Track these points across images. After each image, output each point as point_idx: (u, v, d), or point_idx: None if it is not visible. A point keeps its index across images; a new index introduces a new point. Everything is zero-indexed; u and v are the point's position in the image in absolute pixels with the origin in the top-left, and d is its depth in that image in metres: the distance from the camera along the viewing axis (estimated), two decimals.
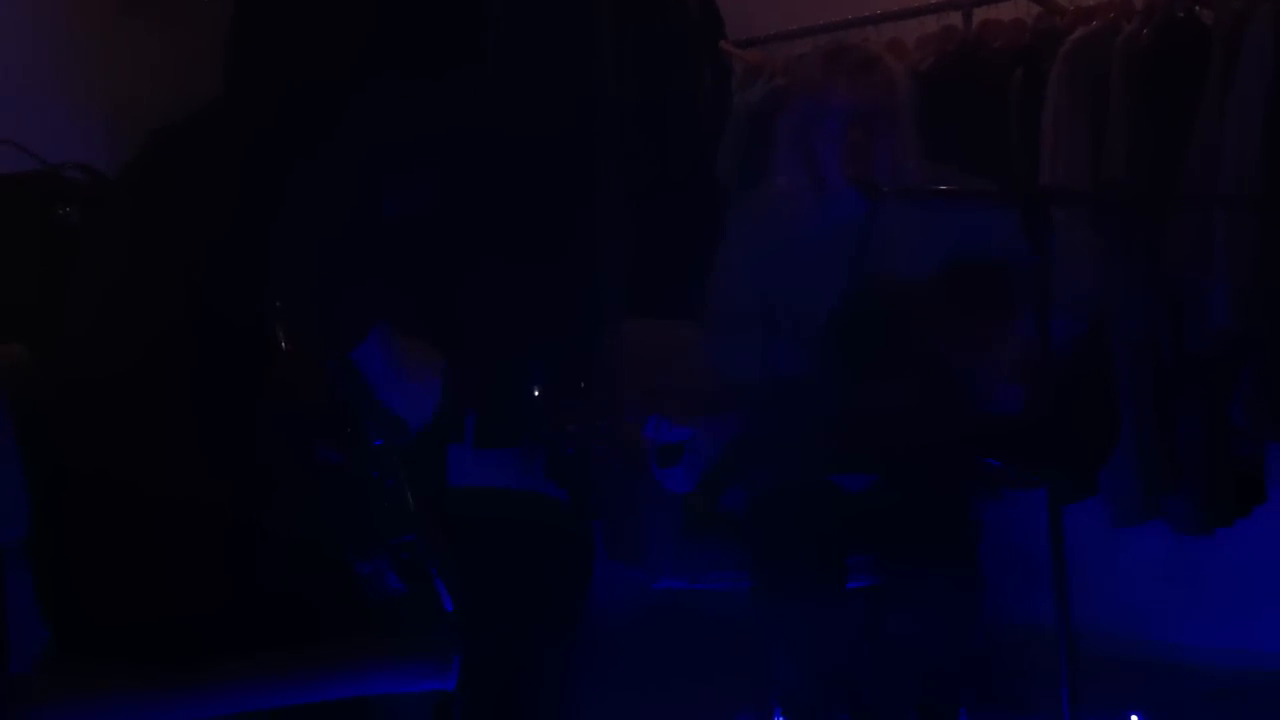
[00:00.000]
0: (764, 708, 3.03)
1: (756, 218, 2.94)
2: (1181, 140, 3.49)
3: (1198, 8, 3.55)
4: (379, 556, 1.94)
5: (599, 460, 2.63)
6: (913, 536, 2.72)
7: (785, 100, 3.01)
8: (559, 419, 2.36)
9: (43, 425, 1.93)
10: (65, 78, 3.45)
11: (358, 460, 1.95)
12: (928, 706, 2.80)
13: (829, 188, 2.83)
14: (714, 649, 3.60)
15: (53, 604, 2.00)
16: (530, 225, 2.81)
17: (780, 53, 4.28)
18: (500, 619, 2.09)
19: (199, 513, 1.94)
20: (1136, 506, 3.59)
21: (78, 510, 1.95)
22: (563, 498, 2.88)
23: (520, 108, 2.71)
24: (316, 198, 1.98)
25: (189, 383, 1.96)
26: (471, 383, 2.25)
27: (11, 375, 1.97)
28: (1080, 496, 3.56)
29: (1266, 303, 3.36)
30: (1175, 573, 3.87)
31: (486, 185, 2.39)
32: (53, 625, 1.99)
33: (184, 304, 1.96)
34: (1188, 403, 3.54)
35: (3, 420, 1.84)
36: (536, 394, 2.32)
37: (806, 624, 2.71)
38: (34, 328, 2.21)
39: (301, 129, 2.02)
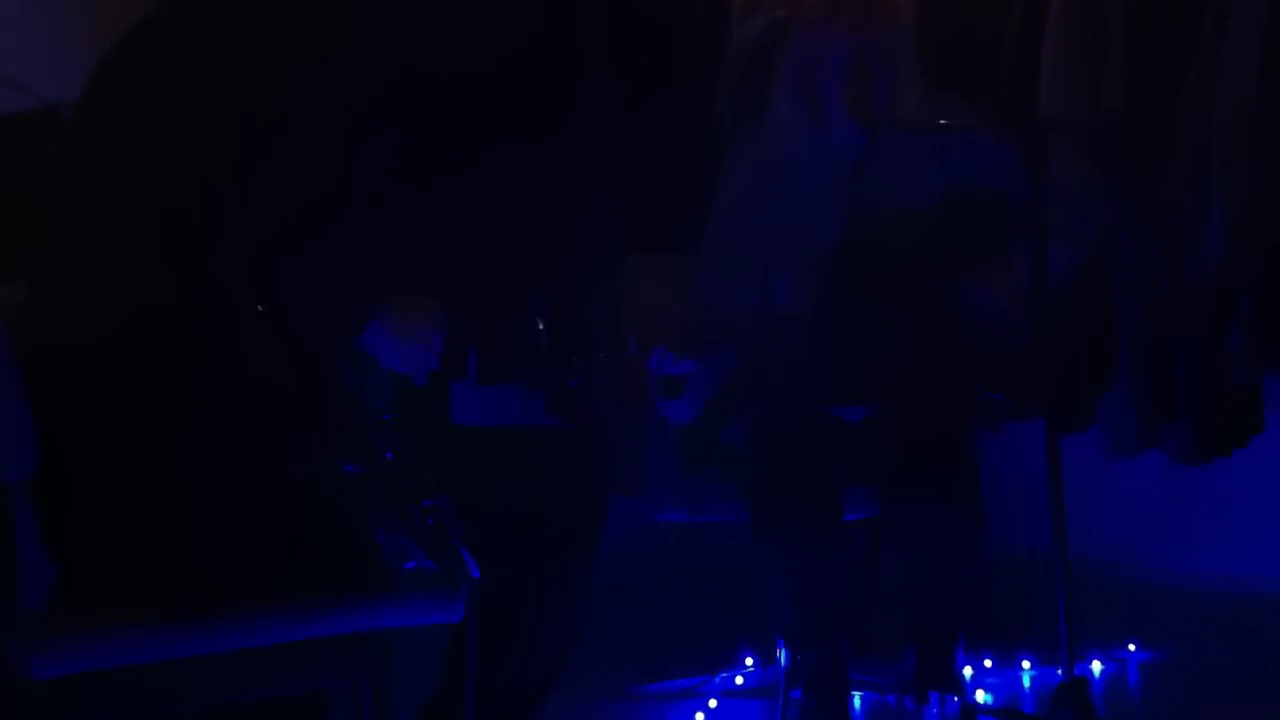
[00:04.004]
0: (768, 640, 3.06)
1: (755, 151, 2.94)
2: (1179, 69, 3.47)
3: None
4: (403, 531, 1.95)
5: (600, 393, 2.64)
6: (912, 468, 2.74)
7: (786, 34, 3.00)
8: (562, 353, 2.36)
9: (43, 365, 1.94)
10: (61, 15, 3.43)
11: (366, 460, 1.96)
12: (926, 637, 2.83)
13: (829, 121, 2.84)
14: (719, 581, 3.63)
15: (60, 541, 2.01)
16: (525, 160, 2.79)
17: None
18: (516, 553, 2.10)
19: (205, 452, 1.95)
20: (1133, 437, 3.60)
21: (84, 451, 1.96)
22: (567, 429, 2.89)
23: (509, 37, 2.68)
24: (298, 153, 1.98)
25: (186, 332, 1.97)
26: (474, 319, 2.25)
27: (14, 315, 1.97)
28: (1078, 428, 3.57)
29: (1262, 231, 3.36)
30: (1171, 500, 3.89)
31: (478, 121, 2.38)
32: (60, 561, 2.01)
33: (168, 261, 1.96)
34: (1185, 333, 3.54)
35: (8, 358, 1.84)
36: (539, 328, 2.32)
37: (804, 555, 2.73)
38: (33, 266, 2.21)
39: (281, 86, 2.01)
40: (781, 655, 2.93)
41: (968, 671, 3.07)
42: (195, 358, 1.97)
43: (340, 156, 2.06)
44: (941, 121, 2.78)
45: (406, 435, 2.00)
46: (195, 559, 1.95)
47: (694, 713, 3.07)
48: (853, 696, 2.88)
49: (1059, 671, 2.48)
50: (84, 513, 2.00)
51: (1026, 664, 3.22)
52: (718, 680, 3.20)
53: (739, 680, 3.22)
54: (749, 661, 3.26)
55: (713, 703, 3.10)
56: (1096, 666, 3.23)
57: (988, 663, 3.22)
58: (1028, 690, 3.17)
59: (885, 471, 2.80)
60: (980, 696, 3.08)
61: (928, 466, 2.75)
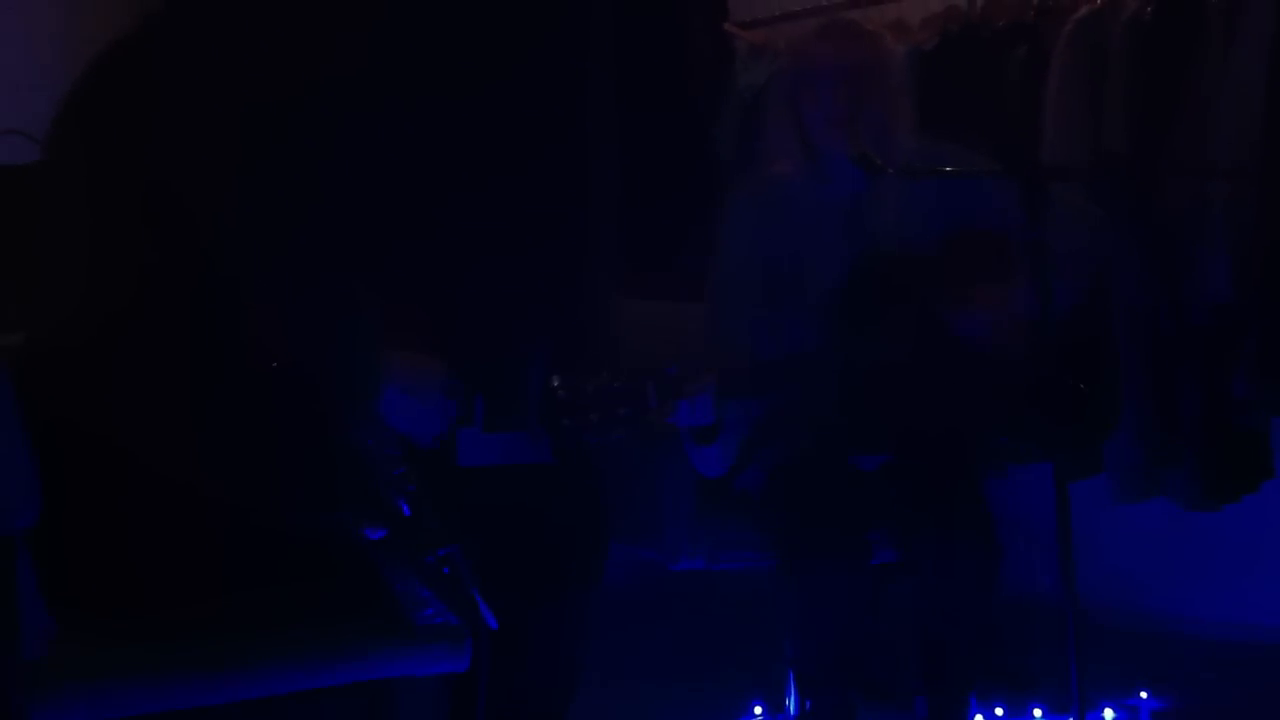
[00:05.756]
0: (777, 688, 3.04)
1: (756, 195, 2.95)
2: (1181, 114, 3.49)
3: None
4: (420, 582, 1.95)
5: (617, 446, 2.64)
6: (931, 512, 2.74)
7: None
8: (574, 408, 2.35)
9: (38, 407, 1.93)
10: (74, 67, 3.46)
11: (388, 525, 1.96)
12: (941, 687, 2.82)
13: (821, 156, 2.85)
14: (727, 629, 3.62)
15: (56, 590, 2.00)
16: (525, 207, 2.80)
17: (784, 34, 4.27)
18: (523, 596, 2.10)
19: (198, 493, 1.94)
20: (1139, 483, 3.60)
21: (79, 494, 1.95)
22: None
23: (510, 82, 2.70)
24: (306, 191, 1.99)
25: (180, 356, 1.97)
26: (479, 368, 2.25)
27: (19, 364, 1.97)
28: (1086, 475, 3.56)
29: (1266, 275, 3.36)
30: (1179, 545, 3.87)
31: (477, 166, 2.39)
32: (58, 612, 2.00)
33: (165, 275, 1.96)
34: (1190, 377, 3.54)
35: (11, 408, 1.84)
36: (554, 384, 2.32)
37: (829, 599, 2.72)
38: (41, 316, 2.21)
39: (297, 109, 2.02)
40: (790, 704, 2.92)
41: None
42: (209, 406, 1.96)
43: (344, 207, 2.07)
44: (947, 169, 2.78)
45: (419, 487, 1.99)
46: (208, 606, 1.95)
47: None
48: None
49: None
50: (93, 554, 1.99)
51: (1038, 712, 3.20)
52: None
53: None
54: (758, 710, 3.23)
55: None
56: (1109, 715, 3.20)
57: (999, 711, 3.19)
58: None
59: (903, 517, 2.79)
60: None
61: (947, 510, 2.75)
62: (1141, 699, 3.30)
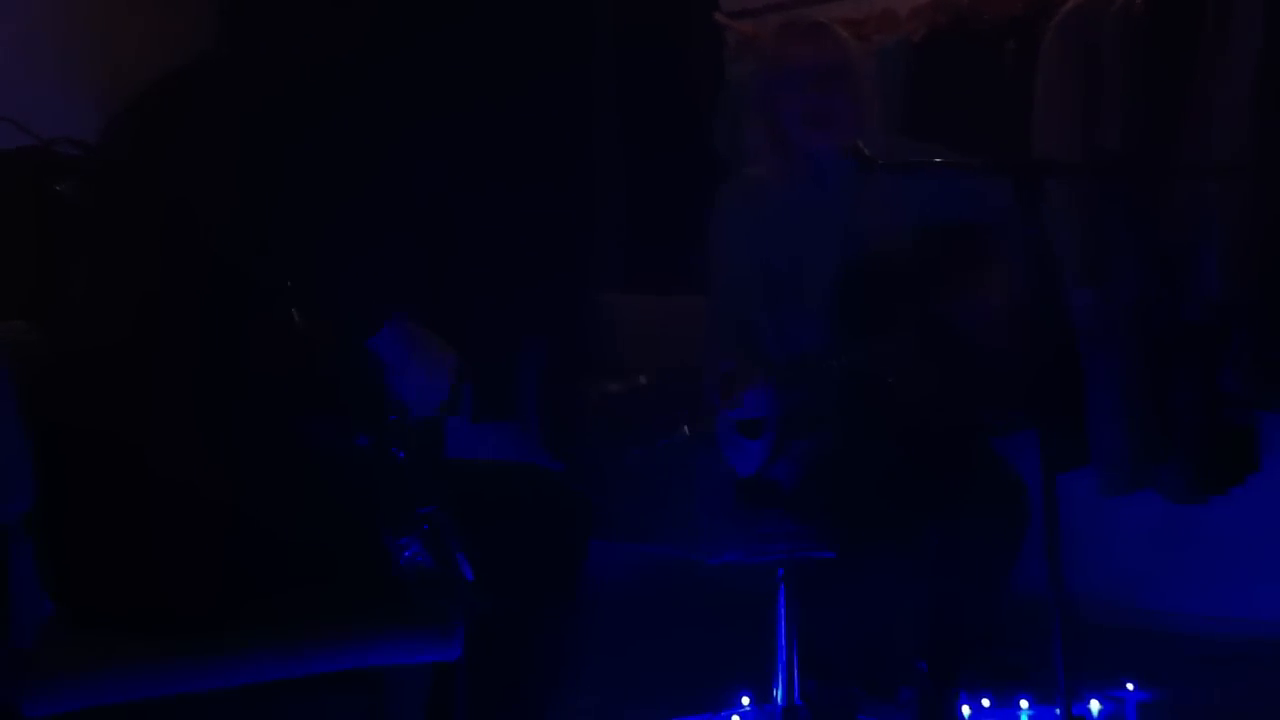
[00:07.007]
0: (765, 676, 3.05)
1: (738, 196, 2.97)
2: (1173, 108, 3.49)
3: None
4: (407, 531, 1.96)
5: (593, 431, 2.64)
6: (965, 493, 2.75)
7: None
8: (634, 414, 2.37)
9: (41, 398, 1.94)
10: (60, 53, 3.45)
11: (376, 436, 1.97)
12: (937, 675, 2.83)
13: (804, 155, 2.86)
14: (715, 619, 3.62)
15: (55, 577, 2.00)
16: (521, 204, 2.81)
17: (775, 24, 4.27)
18: (501, 590, 2.11)
19: (196, 486, 1.95)
20: (1127, 475, 3.61)
21: (80, 482, 1.95)
22: (558, 468, 2.89)
23: (512, 82, 2.71)
24: (315, 169, 2.00)
25: (190, 352, 1.97)
26: (470, 356, 2.26)
27: (14, 351, 1.97)
28: (1072, 466, 3.58)
29: (1257, 270, 3.37)
30: (1168, 540, 3.88)
31: (481, 160, 2.39)
32: (56, 598, 2.00)
33: (180, 270, 1.97)
34: (1180, 371, 3.55)
35: (6, 396, 1.84)
36: (603, 392, 2.33)
37: (875, 590, 2.75)
38: (32, 303, 2.21)
39: (301, 97, 2.03)
40: (778, 694, 2.93)
41: (965, 711, 3.06)
42: (211, 356, 1.97)
43: (361, 181, 2.09)
44: (937, 160, 2.79)
45: (412, 438, 2.00)
46: (204, 558, 1.95)
47: None
48: None
49: (1057, 711, 2.47)
50: (81, 546, 1.99)
51: (1024, 703, 3.21)
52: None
53: (735, 719, 3.20)
54: (745, 701, 3.24)
55: None
56: (1095, 706, 3.21)
57: (985, 702, 3.21)
58: None
59: (931, 503, 2.79)
60: None
61: (965, 483, 2.76)
62: (1127, 690, 3.32)
